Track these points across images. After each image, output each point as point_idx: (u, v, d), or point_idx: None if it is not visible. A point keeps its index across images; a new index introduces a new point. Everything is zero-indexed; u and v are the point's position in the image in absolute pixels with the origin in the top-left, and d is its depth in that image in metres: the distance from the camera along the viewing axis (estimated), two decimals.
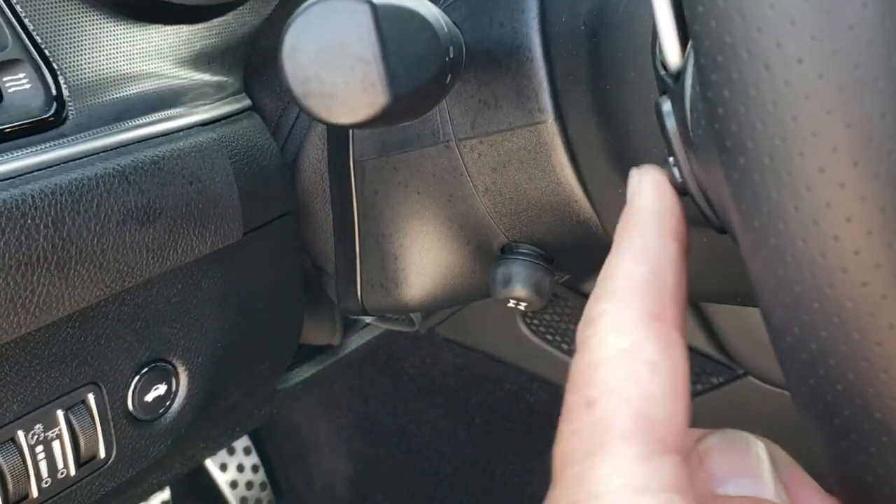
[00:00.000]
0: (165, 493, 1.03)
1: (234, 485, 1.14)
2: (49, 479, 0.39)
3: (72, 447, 0.39)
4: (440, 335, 1.05)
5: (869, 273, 0.21)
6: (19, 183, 0.35)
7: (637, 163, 0.39)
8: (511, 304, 0.49)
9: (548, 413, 1.00)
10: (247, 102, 0.49)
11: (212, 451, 0.67)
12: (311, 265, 0.59)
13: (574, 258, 0.48)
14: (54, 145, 0.37)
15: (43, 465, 0.38)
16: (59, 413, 0.39)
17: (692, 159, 0.28)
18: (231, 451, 1.15)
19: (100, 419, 0.40)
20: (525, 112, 0.43)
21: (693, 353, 0.93)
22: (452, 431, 1.05)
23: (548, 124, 0.42)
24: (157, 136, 0.41)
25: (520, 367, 1.01)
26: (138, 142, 0.40)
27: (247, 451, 1.16)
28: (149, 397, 0.43)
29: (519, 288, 0.47)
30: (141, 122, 0.41)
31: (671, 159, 0.29)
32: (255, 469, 1.16)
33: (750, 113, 0.21)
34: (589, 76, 0.40)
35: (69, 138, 0.38)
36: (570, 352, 0.98)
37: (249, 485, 1.16)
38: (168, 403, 0.44)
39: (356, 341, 0.72)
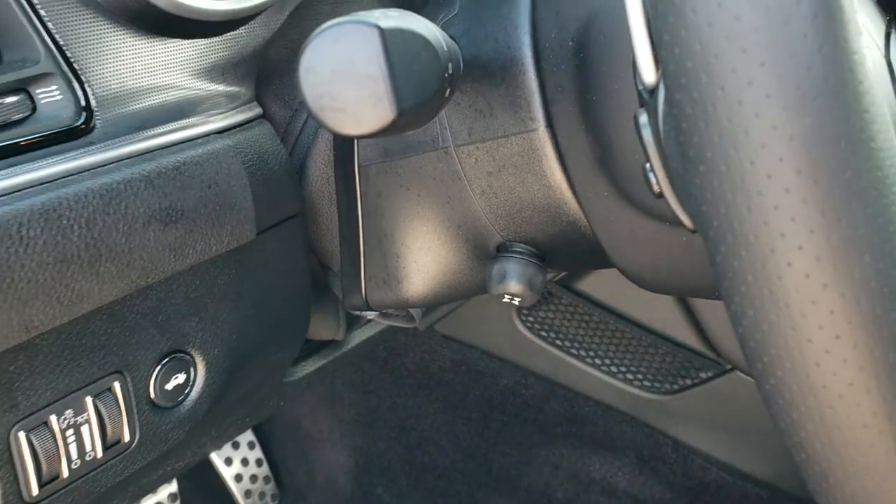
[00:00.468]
0: (173, 486, 1.06)
1: (238, 478, 1.17)
2: (78, 461, 0.42)
3: (99, 431, 0.43)
4: (439, 333, 1.09)
5: (812, 266, 0.24)
6: (55, 187, 0.38)
7: (620, 168, 0.43)
8: (506, 299, 0.52)
9: (542, 407, 1.03)
10: (258, 111, 0.53)
11: (222, 441, 0.70)
12: (317, 264, 0.63)
13: (565, 256, 0.52)
14: (84, 152, 0.40)
15: (73, 448, 0.42)
16: (88, 400, 0.42)
17: (666, 166, 0.31)
18: (236, 446, 1.18)
19: (125, 406, 0.43)
20: (518, 120, 0.46)
21: (682, 349, 0.96)
22: (450, 425, 1.08)
23: (539, 132, 0.45)
24: (177, 144, 0.44)
25: (515, 363, 1.04)
26: (160, 149, 0.43)
27: (251, 446, 1.20)
28: (169, 386, 0.46)
29: (513, 284, 0.50)
30: (162, 130, 0.44)
31: (647, 165, 0.32)
32: (258, 463, 1.20)
33: (709, 128, 0.24)
34: (577, 88, 0.43)
35: (98, 146, 0.41)
36: (564, 348, 1.01)
37: (253, 478, 1.19)
38: (187, 392, 0.47)
39: (359, 336, 0.75)
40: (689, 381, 0.97)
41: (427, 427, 1.09)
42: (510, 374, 1.04)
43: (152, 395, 0.45)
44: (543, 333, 1.02)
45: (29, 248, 0.36)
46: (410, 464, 1.12)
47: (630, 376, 0.99)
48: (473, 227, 0.51)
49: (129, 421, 0.44)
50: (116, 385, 0.43)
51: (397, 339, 1.09)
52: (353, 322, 0.74)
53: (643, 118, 0.32)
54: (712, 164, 0.24)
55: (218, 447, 0.76)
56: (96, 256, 0.39)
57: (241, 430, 0.72)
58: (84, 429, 0.42)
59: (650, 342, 0.97)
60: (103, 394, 0.42)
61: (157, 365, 0.45)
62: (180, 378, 0.46)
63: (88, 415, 0.42)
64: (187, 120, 0.46)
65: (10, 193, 0.37)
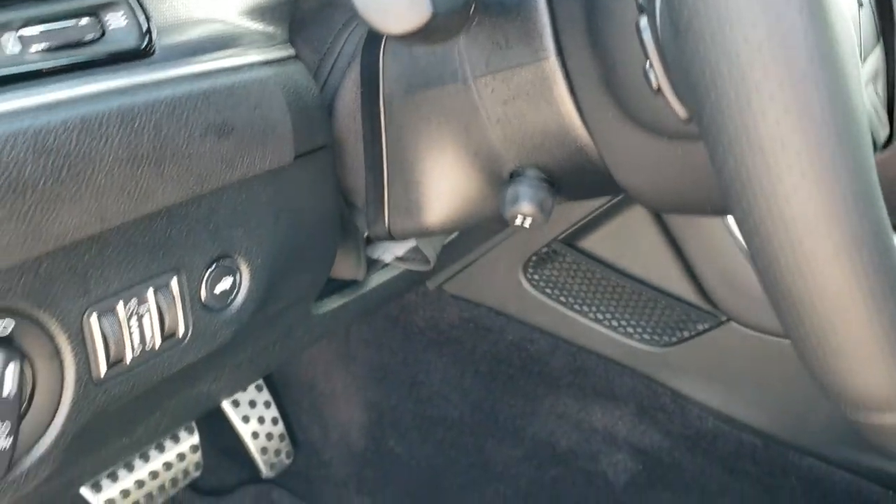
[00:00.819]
0: (194, 438, 1.11)
1: (255, 435, 1.22)
2: (139, 348, 0.47)
3: (158, 322, 0.48)
4: (447, 292, 1.14)
5: (781, 114, 0.29)
6: (127, 95, 0.43)
7: (625, 89, 0.48)
8: (518, 220, 0.57)
9: (547, 360, 1.08)
10: (292, 51, 0.58)
11: (255, 369, 0.75)
12: (342, 203, 0.68)
13: (573, 181, 0.57)
14: (148, 69, 0.45)
15: (136, 335, 0.47)
16: (150, 293, 0.47)
17: (663, 61, 0.36)
18: (252, 405, 1.23)
19: (180, 302, 0.49)
20: (531, 51, 0.51)
21: (679, 302, 1.01)
22: (459, 379, 1.13)
23: (550, 61, 0.51)
24: (227, 69, 0.50)
25: (521, 320, 1.09)
26: (212, 72, 0.49)
27: (266, 405, 1.24)
28: (217, 289, 0.51)
29: (525, 204, 0.56)
30: (212, 56, 0.50)
31: (647, 64, 0.37)
32: (274, 421, 1.24)
33: (702, 23, 0.29)
34: (584, 17, 0.48)
35: (159, 65, 0.46)
36: (568, 304, 1.06)
37: (269, 436, 1.24)
38: (232, 296, 0.52)
39: (377, 279, 0.80)
40: (686, 334, 1.02)
41: (437, 381, 1.14)
42: (516, 330, 1.09)
43: (203, 296, 0.50)
44: (548, 291, 1.07)
45: (107, 144, 0.41)
46: (421, 417, 1.17)
47: (630, 330, 1.05)
48: (488, 155, 0.57)
49: (183, 316, 0.49)
50: (174, 282, 0.48)
51: (408, 298, 1.14)
52: (370, 267, 0.80)
53: (643, 22, 0.37)
54: (698, 34, 0.29)
55: (254, 374, 0.80)
56: (161, 159, 0.44)
57: (271, 363, 0.77)
58: (145, 319, 0.47)
59: (649, 297, 1.02)
60: (162, 289, 0.48)
61: (208, 268, 0.50)
62: (227, 282, 0.51)
63: (149, 306, 0.47)
64: (233, 50, 0.52)
65: (91, 98, 0.42)
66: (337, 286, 0.77)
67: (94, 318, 0.45)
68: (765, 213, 0.30)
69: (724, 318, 0.99)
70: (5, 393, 0.41)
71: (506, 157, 0.56)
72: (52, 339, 0.43)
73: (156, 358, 0.48)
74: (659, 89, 0.38)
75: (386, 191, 0.61)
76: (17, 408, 0.42)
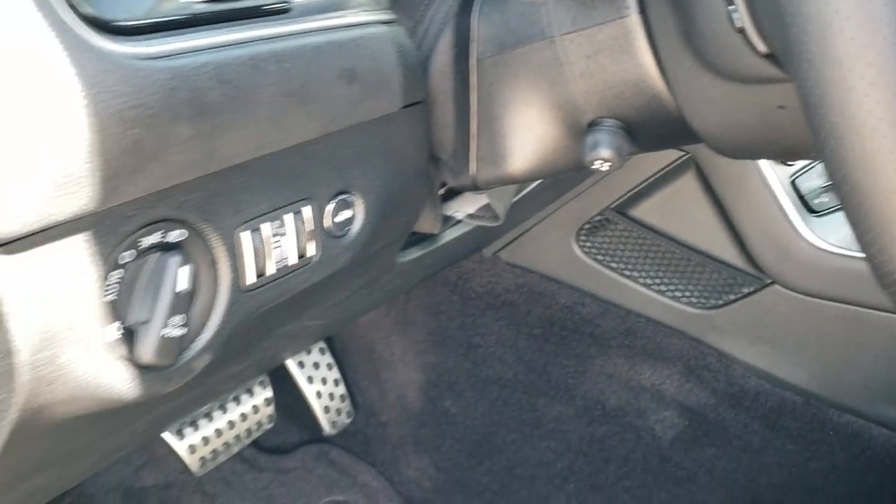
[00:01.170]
0: (268, 391, 1.19)
1: (318, 395, 1.30)
2: (280, 263, 0.54)
3: (294, 243, 0.55)
4: (503, 260, 1.21)
5: (855, 31, 0.35)
6: (279, 40, 0.50)
7: (703, 35, 0.55)
8: (596, 165, 0.64)
9: (598, 323, 1.15)
10: (394, 15, 0.65)
11: (345, 313, 0.82)
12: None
13: (648, 131, 0.63)
14: (292, 22, 0.53)
15: (276, 252, 0.54)
16: (288, 217, 0.54)
17: (748, 1, 0.43)
18: (316, 367, 1.31)
19: (311, 227, 0.56)
20: (615, 8, 0.58)
21: (725, 266, 1.07)
22: (513, 341, 1.20)
23: (632, 17, 0.57)
24: (351, 25, 0.57)
25: (573, 285, 1.16)
26: (340, 26, 0.56)
27: (329, 367, 1.32)
28: (338, 218, 0.58)
29: (604, 150, 0.62)
30: (336, 14, 0.57)
31: (730, 7, 0.44)
32: (336, 383, 1.32)
33: None
34: None
35: (298, 18, 0.54)
36: (618, 270, 1.13)
37: (331, 396, 1.32)
38: (350, 226, 0.59)
39: (450, 235, 0.87)
40: (732, 297, 1.08)
41: (492, 343, 1.21)
42: (568, 295, 1.16)
43: (327, 223, 0.58)
44: (599, 257, 1.14)
45: (266, 80, 0.49)
46: (476, 377, 1.24)
47: (678, 294, 1.11)
48: (570, 107, 0.63)
49: (313, 239, 0.56)
50: (307, 209, 0.55)
51: (466, 265, 1.22)
52: (446, 221, 0.87)
53: None
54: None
55: (353, 313, 0.87)
56: (305, 97, 0.51)
57: (357, 310, 0.85)
58: (283, 239, 0.54)
59: (697, 262, 1.09)
60: (297, 214, 0.55)
61: (331, 201, 0.57)
62: (346, 214, 0.59)
63: (286, 228, 0.54)
64: (349, 10, 0.59)
65: (252, 41, 0.49)
66: (416, 239, 0.84)
67: (245, 234, 0.52)
68: (838, 118, 0.37)
69: (768, 282, 1.05)
70: (181, 289, 0.48)
71: (586, 109, 0.63)
72: (210, 250, 0.51)
73: (290, 274, 0.56)
74: (741, 29, 0.45)
75: (474, 144, 0.68)
76: (189, 303, 0.49)
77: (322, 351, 1.32)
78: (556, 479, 1.20)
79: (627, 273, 1.12)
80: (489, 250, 1.19)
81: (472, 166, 0.69)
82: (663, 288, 1.11)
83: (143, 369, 0.48)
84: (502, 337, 1.20)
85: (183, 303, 0.48)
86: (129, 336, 0.47)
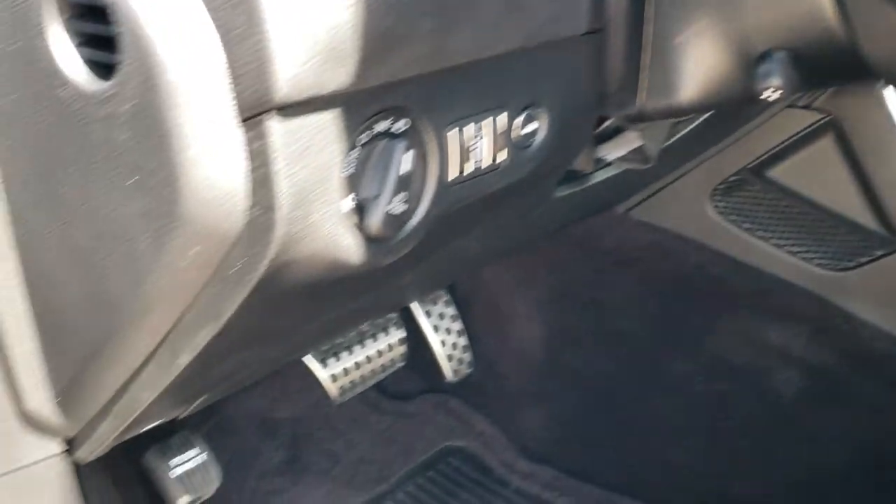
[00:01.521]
0: (402, 332, 1.25)
1: (443, 343, 1.36)
2: (478, 163, 0.60)
3: (491, 146, 0.60)
4: (633, 218, 1.24)
5: None
6: None
7: None
8: (766, 94, 0.67)
9: (727, 281, 1.17)
10: None
11: (497, 243, 0.87)
12: None
13: (817, 63, 0.66)
14: None
15: (475, 152, 0.59)
16: (487, 122, 0.59)
17: None
18: (441, 317, 1.37)
19: (504, 134, 0.61)
20: None
21: (859, 228, 1.08)
22: (641, 296, 1.23)
23: None
24: None
25: (704, 244, 1.18)
26: None
27: (453, 318, 1.38)
28: (525, 130, 0.63)
29: (776, 79, 0.66)
30: None
31: None
32: (459, 333, 1.38)
33: None
34: None
35: None
36: (751, 230, 1.15)
37: (454, 346, 1.37)
38: (534, 138, 0.64)
39: (601, 175, 0.91)
40: (864, 259, 1.09)
41: (618, 299, 1.25)
42: (699, 254, 1.18)
43: (515, 134, 0.63)
44: (733, 217, 1.16)
45: None
46: (598, 331, 1.27)
47: (810, 255, 1.12)
48: (742, 39, 0.67)
49: (504, 147, 0.61)
50: (502, 117, 0.60)
51: (594, 222, 1.25)
52: (597, 162, 0.91)
53: None
54: None
55: (489, 258, 0.91)
56: (520, 5, 0.56)
57: (507, 242, 0.89)
58: (481, 142, 0.59)
59: (831, 224, 1.10)
60: (494, 121, 0.60)
61: (521, 112, 0.62)
62: (532, 126, 0.64)
63: (483, 132, 0.60)
64: None
65: None
66: (568, 178, 0.89)
67: (452, 133, 0.57)
68: None
69: None
70: (405, 171, 0.54)
71: (756, 41, 0.66)
72: (424, 144, 0.56)
73: (484, 175, 0.61)
74: None
75: (647, 75, 0.72)
76: (409, 185, 0.55)
77: (447, 303, 1.38)
78: (674, 433, 1.23)
79: (760, 234, 1.14)
80: (622, 207, 1.23)
81: (642, 96, 0.73)
82: (795, 249, 1.13)
83: (370, 240, 0.53)
84: (629, 293, 1.23)
85: (405, 184, 0.54)
86: (360, 210, 0.53)
